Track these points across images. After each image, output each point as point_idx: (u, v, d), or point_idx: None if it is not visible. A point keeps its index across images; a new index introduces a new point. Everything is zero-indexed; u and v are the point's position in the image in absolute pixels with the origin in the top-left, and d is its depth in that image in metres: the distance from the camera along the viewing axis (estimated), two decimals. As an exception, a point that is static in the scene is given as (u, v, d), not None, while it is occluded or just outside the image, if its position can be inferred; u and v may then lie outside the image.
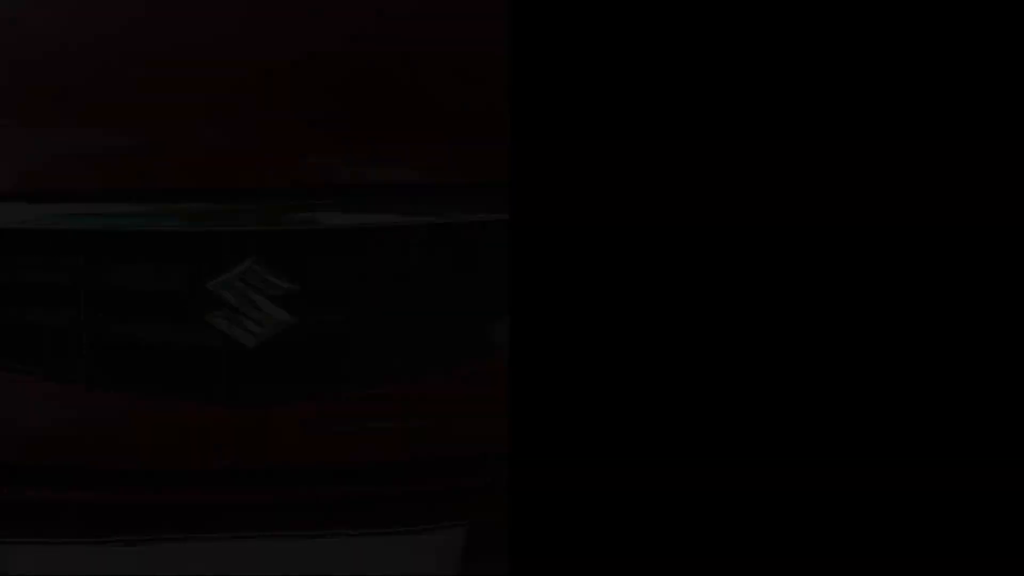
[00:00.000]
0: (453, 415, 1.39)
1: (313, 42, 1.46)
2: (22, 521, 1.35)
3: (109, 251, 1.27)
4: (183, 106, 1.30)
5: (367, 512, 1.40)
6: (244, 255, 1.27)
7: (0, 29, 1.44)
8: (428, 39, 1.51)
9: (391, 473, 1.40)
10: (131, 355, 1.32)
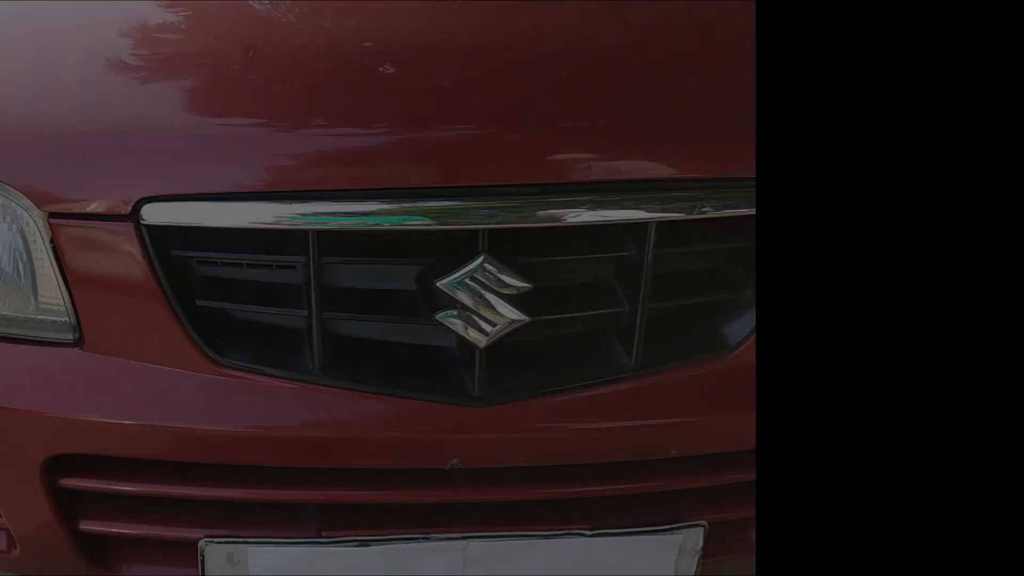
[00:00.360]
0: (690, 415, 1.37)
1: (558, 41, 1.45)
2: (259, 521, 1.37)
3: (349, 249, 1.28)
4: (429, 105, 1.30)
5: (604, 511, 1.39)
6: (477, 253, 1.25)
7: (254, 31, 1.46)
8: (676, 37, 1.49)
9: (627, 473, 1.38)
10: (365, 354, 1.33)
